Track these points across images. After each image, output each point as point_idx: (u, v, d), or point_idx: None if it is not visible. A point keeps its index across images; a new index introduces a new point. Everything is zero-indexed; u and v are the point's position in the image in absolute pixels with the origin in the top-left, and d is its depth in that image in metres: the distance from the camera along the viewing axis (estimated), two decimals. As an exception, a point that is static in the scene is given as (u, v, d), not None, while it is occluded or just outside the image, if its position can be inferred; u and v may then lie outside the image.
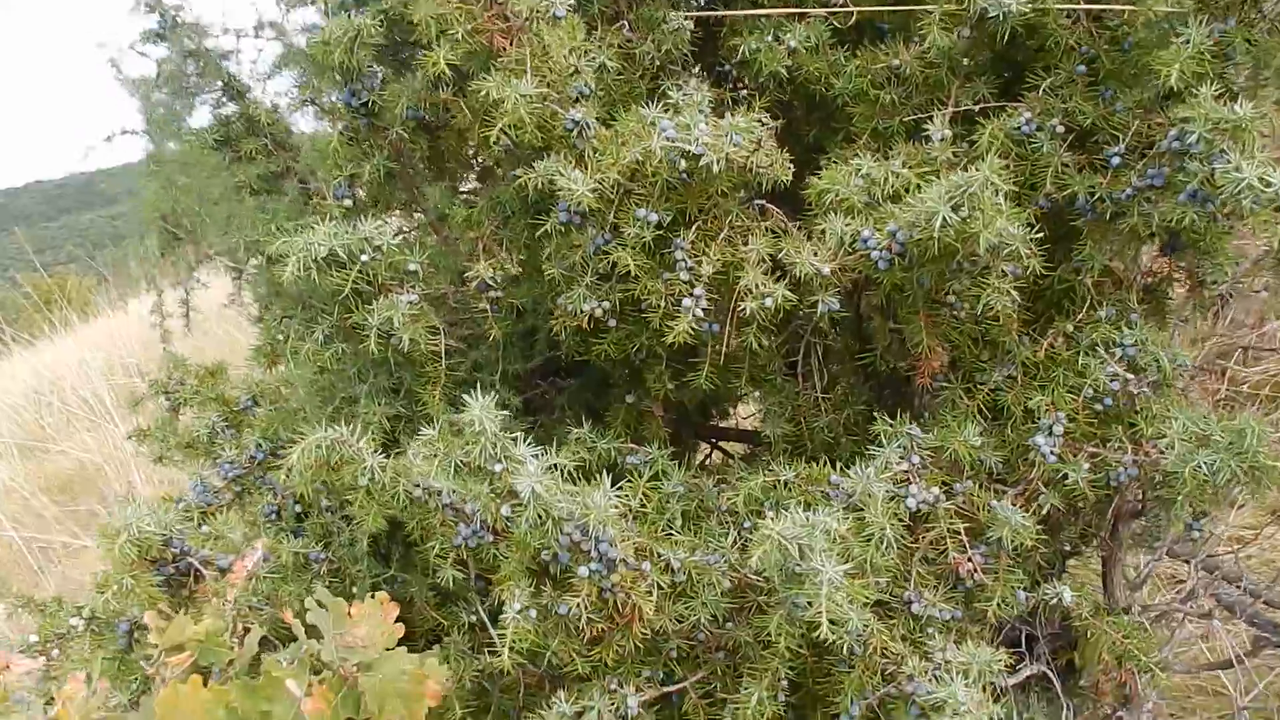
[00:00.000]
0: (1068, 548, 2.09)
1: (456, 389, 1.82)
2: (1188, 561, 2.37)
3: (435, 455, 1.49)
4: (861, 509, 1.58)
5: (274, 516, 1.95)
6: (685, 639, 1.66)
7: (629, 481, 1.75)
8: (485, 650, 1.70)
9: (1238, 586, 2.36)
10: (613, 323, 1.77)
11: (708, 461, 2.82)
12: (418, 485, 1.51)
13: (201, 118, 2.47)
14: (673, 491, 1.81)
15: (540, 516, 1.39)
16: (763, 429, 1.98)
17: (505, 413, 1.35)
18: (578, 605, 1.47)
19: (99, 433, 6.54)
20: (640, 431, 1.99)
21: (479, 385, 1.55)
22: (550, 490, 1.36)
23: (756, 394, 2.06)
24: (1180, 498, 1.59)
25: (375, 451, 1.52)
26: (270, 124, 2.47)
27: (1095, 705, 2.13)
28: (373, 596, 1.38)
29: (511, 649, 1.47)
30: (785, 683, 1.58)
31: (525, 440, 1.41)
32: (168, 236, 2.84)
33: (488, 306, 1.82)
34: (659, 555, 1.59)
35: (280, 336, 2.02)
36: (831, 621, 1.35)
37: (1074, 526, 1.99)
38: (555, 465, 1.38)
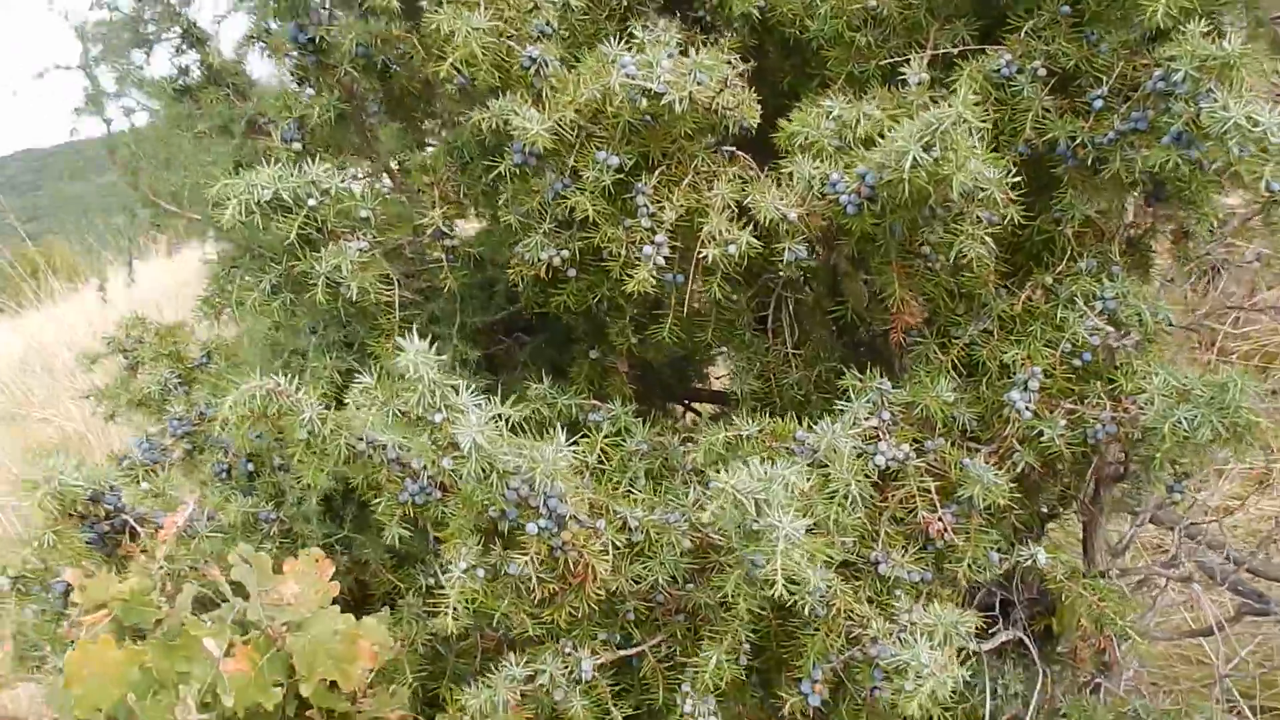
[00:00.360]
0: (1046, 510, 2.02)
1: (411, 342, 1.74)
2: (1171, 528, 2.31)
3: (373, 405, 1.41)
4: (827, 465, 1.51)
5: (224, 475, 1.88)
6: (643, 601, 1.60)
7: (586, 437, 1.68)
8: (440, 612, 1.64)
9: (1220, 553, 2.31)
10: (572, 272, 1.70)
11: (679, 424, 2.75)
12: (360, 439, 1.44)
13: (159, 68, 2.39)
14: (635, 449, 1.74)
15: (484, 470, 1.31)
16: (730, 386, 1.91)
17: (443, 358, 1.26)
18: (526, 564, 1.40)
19: (82, 400, 6.46)
20: (604, 388, 1.92)
21: (435, 339, 1.47)
22: (494, 442, 1.29)
23: (726, 351, 1.99)
24: (1159, 455, 1.52)
25: (315, 403, 1.44)
26: (234, 74, 2.38)
27: (1074, 672, 2.07)
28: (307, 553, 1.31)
29: (458, 610, 1.40)
30: (747, 646, 1.52)
31: (470, 390, 1.33)
32: (144, 196, 2.75)
33: (443, 255, 1.74)
34: (615, 513, 1.52)
35: (229, 287, 1.94)
36: (789, 580, 1.28)
37: (1052, 488, 1.92)
38: (499, 415, 1.30)
